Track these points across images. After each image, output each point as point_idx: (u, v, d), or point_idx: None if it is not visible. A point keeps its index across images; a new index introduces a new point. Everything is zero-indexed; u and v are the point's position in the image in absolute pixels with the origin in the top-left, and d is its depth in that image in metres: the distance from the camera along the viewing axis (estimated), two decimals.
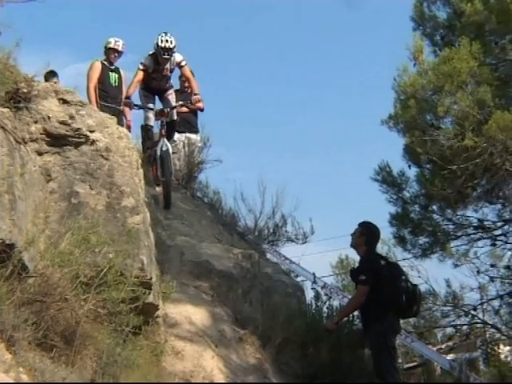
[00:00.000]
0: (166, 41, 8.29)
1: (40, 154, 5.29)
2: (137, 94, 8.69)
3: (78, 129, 5.47)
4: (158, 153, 8.39)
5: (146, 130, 8.79)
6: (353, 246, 6.65)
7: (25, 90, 5.18)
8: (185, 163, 9.78)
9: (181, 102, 8.93)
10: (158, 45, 8.33)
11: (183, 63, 8.59)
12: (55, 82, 8.44)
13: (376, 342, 6.22)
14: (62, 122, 5.41)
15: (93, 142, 5.53)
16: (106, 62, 9.07)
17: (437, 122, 9.06)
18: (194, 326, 6.47)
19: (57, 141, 5.38)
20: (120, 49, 9.12)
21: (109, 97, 8.90)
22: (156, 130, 8.86)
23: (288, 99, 51.53)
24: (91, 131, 5.55)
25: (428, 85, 9.06)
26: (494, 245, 10.25)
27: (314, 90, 52.13)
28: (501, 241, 10.16)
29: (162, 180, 8.37)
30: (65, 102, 5.51)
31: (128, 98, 8.50)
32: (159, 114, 8.63)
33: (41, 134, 5.29)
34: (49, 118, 5.34)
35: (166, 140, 8.46)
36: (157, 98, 8.84)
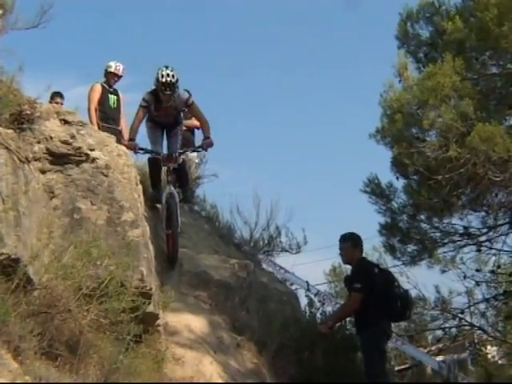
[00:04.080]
0: (167, 75, 7.34)
1: (43, 172, 5.47)
2: (143, 126, 7.90)
3: (79, 147, 5.65)
4: (163, 201, 7.47)
5: (153, 162, 7.79)
6: (347, 262, 6.80)
7: (28, 112, 5.35)
8: None
9: (191, 148, 8.29)
10: (158, 80, 7.40)
11: (190, 101, 7.68)
12: (57, 102, 8.70)
13: (368, 346, 6.42)
14: (64, 142, 5.58)
15: (93, 160, 5.70)
16: (105, 85, 9.17)
17: (422, 134, 9.12)
18: (194, 333, 6.61)
19: (59, 159, 5.56)
20: (120, 73, 9.22)
21: (108, 118, 9.01)
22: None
23: (281, 112, 51.77)
24: (91, 150, 5.72)
25: (413, 99, 9.11)
26: (479, 251, 10.41)
27: (309, 103, 52.44)
28: (485, 247, 10.32)
29: (168, 233, 7.32)
30: (66, 122, 5.70)
31: (132, 139, 7.54)
32: (167, 160, 7.59)
33: (44, 153, 5.47)
34: (51, 137, 5.52)
35: (172, 187, 7.49)
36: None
